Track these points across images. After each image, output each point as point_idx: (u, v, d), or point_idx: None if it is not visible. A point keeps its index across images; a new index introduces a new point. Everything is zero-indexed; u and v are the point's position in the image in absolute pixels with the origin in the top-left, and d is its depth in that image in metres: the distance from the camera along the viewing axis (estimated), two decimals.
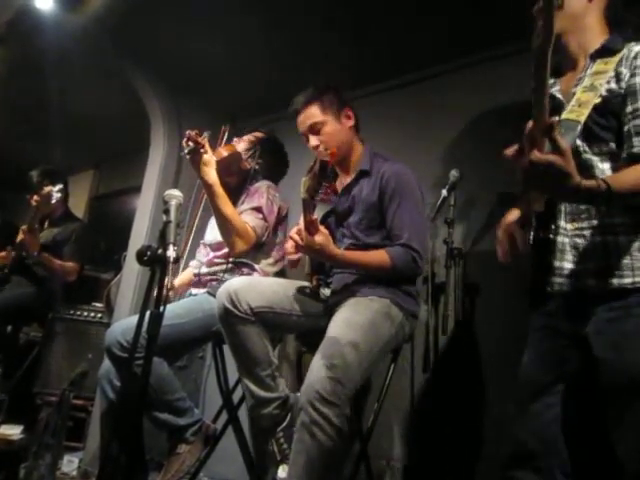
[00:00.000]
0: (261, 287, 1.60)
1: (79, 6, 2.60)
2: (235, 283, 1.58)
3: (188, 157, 1.80)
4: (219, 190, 1.84)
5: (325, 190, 1.41)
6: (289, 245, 1.65)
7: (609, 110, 1.14)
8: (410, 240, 1.60)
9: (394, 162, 1.75)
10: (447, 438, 2.07)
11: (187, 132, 1.77)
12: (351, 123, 1.78)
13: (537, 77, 0.91)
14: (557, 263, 1.18)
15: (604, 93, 1.15)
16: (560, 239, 1.19)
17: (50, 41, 2.81)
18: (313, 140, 1.73)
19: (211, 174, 1.82)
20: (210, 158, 1.83)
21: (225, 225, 1.86)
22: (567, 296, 1.18)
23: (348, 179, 1.77)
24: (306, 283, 1.74)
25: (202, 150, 1.79)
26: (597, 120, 1.14)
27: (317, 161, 1.36)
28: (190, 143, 1.76)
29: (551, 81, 1.32)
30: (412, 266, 1.60)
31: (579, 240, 1.16)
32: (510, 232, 1.24)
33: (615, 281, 1.10)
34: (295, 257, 1.65)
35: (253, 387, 1.53)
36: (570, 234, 1.18)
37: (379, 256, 1.60)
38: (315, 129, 1.73)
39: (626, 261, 1.10)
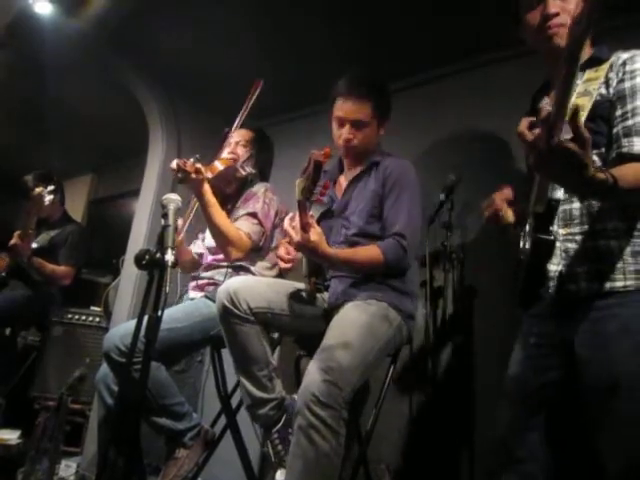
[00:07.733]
0: (261, 287, 1.61)
1: (78, 10, 2.61)
2: (235, 282, 1.58)
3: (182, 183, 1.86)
4: (211, 198, 1.89)
5: (320, 190, 1.41)
6: (282, 251, 1.65)
7: (598, 114, 1.16)
8: (402, 230, 1.63)
9: (398, 157, 1.83)
10: (446, 442, 2.06)
11: (174, 162, 1.83)
12: (382, 133, 1.83)
13: (570, 59, 0.86)
14: (547, 266, 1.19)
15: (597, 98, 1.15)
16: None
17: (49, 45, 2.82)
18: (348, 131, 1.73)
19: (203, 187, 1.87)
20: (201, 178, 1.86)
21: (218, 234, 1.90)
22: (555, 299, 1.19)
23: (357, 171, 1.81)
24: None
25: (193, 176, 1.83)
26: (587, 124, 1.15)
27: (311, 162, 1.37)
28: (179, 174, 1.83)
29: (545, 100, 1.33)
30: (402, 256, 1.61)
31: (570, 245, 1.17)
32: (498, 207, 1.25)
33: (607, 285, 1.11)
34: (287, 266, 1.64)
35: (249, 386, 1.54)
36: (562, 239, 1.19)
37: (371, 252, 1.61)
38: (357, 124, 1.73)
39: (618, 265, 1.11)
